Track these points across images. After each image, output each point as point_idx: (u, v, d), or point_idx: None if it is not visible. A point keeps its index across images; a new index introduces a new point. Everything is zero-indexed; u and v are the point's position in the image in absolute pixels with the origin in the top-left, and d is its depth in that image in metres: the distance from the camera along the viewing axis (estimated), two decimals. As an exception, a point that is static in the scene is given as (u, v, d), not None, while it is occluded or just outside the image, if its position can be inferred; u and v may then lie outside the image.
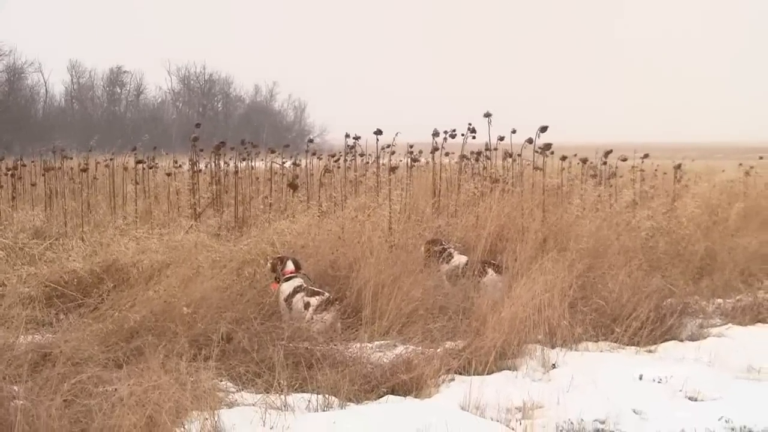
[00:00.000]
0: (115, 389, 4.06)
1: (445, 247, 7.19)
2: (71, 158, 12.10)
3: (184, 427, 3.94)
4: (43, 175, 10.49)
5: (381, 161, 10.05)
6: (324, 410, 4.36)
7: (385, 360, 5.04)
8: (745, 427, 4.25)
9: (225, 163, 9.86)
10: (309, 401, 4.43)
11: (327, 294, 5.92)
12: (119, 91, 59.49)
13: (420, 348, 5.21)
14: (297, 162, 11.30)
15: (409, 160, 10.09)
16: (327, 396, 4.49)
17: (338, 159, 10.95)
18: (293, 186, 9.19)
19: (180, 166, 11.20)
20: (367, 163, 10.53)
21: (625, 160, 10.75)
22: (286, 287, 6.00)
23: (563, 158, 10.06)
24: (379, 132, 8.88)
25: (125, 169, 10.78)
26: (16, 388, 3.93)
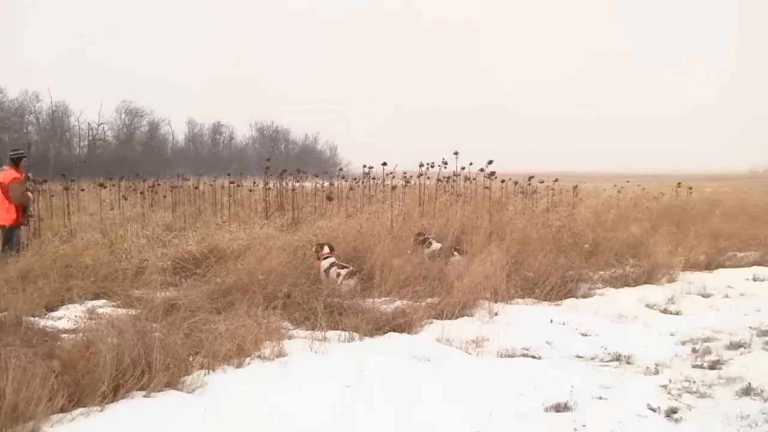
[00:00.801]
0: (216, 327, 4.09)
1: (427, 237, 7.18)
2: (188, 180, 12.18)
3: (260, 351, 3.96)
4: (171, 190, 10.60)
5: (385, 183, 10.11)
6: (349, 342, 4.37)
7: (388, 310, 5.02)
8: (616, 351, 4.26)
9: (285, 183, 9.93)
10: (339, 336, 4.43)
11: (351, 267, 5.91)
12: (218, 137, 59.33)
13: (410, 302, 5.20)
14: (332, 183, 11.37)
15: (403, 182, 10.13)
16: (351, 332, 4.49)
17: (358, 181, 11.00)
18: (329, 198, 9.26)
19: (257, 185, 11.25)
20: (377, 184, 10.56)
21: (542, 182, 10.75)
22: (325, 263, 5.99)
23: (502, 181, 10.06)
24: (384, 164, 9.10)
25: (222, 187, 10.84)
26: (155, 325, 3.96)
